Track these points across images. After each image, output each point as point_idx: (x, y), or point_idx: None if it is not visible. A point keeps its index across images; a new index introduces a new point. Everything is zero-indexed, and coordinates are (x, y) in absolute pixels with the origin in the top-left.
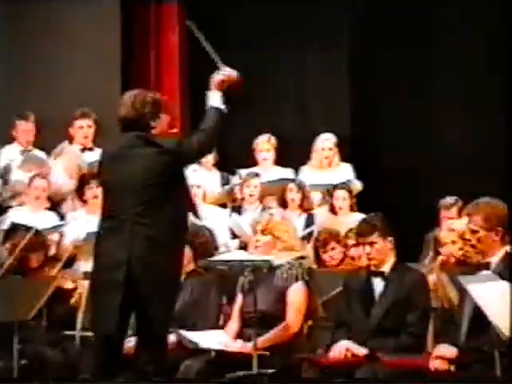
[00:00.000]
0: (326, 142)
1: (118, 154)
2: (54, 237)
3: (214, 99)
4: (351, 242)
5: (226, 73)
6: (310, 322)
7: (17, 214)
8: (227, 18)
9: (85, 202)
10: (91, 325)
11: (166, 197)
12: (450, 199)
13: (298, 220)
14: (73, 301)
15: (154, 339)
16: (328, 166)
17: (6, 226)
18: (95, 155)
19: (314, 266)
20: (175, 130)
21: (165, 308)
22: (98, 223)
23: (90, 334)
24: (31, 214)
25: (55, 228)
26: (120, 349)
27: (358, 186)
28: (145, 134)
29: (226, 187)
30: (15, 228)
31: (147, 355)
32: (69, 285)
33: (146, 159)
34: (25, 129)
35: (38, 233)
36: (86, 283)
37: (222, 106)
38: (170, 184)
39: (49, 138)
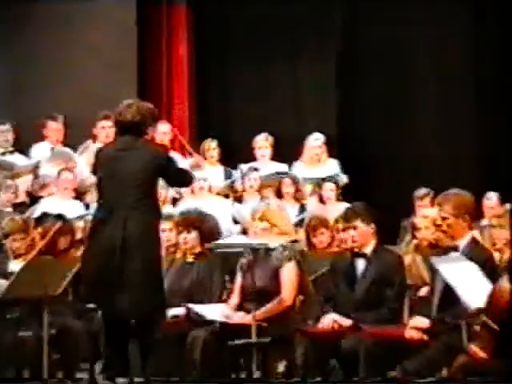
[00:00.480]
0: (315, 141)
1: (115, 154)
2: (80, 223)
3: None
4: (340, 226)
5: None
6: (301, 297)
7: (47, 204)
8: (233, 33)
9: None
10: (85, 295)
11: (150, 192)
12: (423, 190)
13: (291, 209)
14: None
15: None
16: (317, 162)
17: (37, 214)
18: None
19: (305, 249)
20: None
21: (154, 281)
22: (95, 211)
23: None
24: (60, 203)
25: (80, 216)
26: (121, 319)
27: (343, 179)
28: (140, 139)
29: (229, 180)
30: (46, 216)
31: (141, 330)
32: None
33: (140, 160)
34: (55, 128)
35: (65, 220)
36: None
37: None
38: (154, 182)
39: (75, 137)
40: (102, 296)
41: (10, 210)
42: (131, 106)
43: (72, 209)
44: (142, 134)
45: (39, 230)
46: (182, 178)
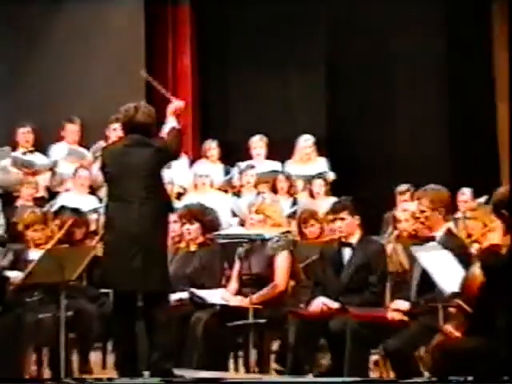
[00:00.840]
0: (306, 141)
1: (122, 151)
2: (94, 216)
3: (172, 122)
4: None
5: (176, 103)
6: (293, 283)
7: (64, 198)
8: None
9: None
10: (105, 282)
11: (158, 184)
12: (404, 186)
13: (284, 203)
14: None
15: (157, 296)
16: (308, 161)
17: (55, 207)
18: None
19: (297, 239)
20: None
21: (163, 268)
22: (105, 204)
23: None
24: (76, 198)
25: (95, 209)
26: (131, 300)
27: (331, 176)
28: (145, 138)
29: (228, 177)
30: (63, 209)
31: (154, 310)
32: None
33: (146, 155)
34: (72, 130)
35: (80, 213)
36: None
37: (178, 126)
38: (160, 174)
39: (90, 138)
40: (117, 277)
41: (30, 204)
42: (144, 110)
43: (87, 203)
44: (149, 134)
45: (57, 222)
46: (175, 155)
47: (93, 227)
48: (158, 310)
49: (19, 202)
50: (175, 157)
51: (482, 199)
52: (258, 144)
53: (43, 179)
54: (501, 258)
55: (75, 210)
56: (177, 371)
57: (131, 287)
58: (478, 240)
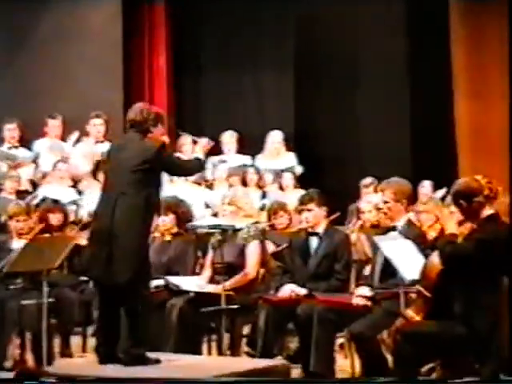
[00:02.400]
0: (275, 137)
1: (119, 146)
2: (73, 207)
3: (199, 154)
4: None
5: (203, 141)
6: (263, 270)
7: (45, 190)
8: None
9: (98, 181)
10: (83, 269)
11: (142, 179)
12: (368, 179)
13: (255, 195)
14: None
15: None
16: (277, 155)
17: (37, 199)
18: (106, 147)
19: (267, 229)
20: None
21: (131, 262)
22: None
23: None
24: (56, 190)
25: (73, 201)
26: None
27: (299, 169)
28: (140, 135)
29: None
30: (44, 200)
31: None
32: (83, 242)
33: (135, 152)
34: (54, 126)
35: (61, 204)
36: None
37: (203, 159)
38: (147, 173)
39: (71, 134)
40: (90, 266)
41: (13, 197)
42: (137, 108)
43: (66, 195)
44: (144, 132)
45: (38, 212)
46: (178, 169)
47: (72, 218)
48: (131, 299)
49: (2, 195)
50: (175, 173)
51: (441, 192)
52: (228, 140)
53: (26, 173)
54: (457, 247)
55: (55, 201)
56: (153, 355)
57: (98, 277)
58: (427, 231)
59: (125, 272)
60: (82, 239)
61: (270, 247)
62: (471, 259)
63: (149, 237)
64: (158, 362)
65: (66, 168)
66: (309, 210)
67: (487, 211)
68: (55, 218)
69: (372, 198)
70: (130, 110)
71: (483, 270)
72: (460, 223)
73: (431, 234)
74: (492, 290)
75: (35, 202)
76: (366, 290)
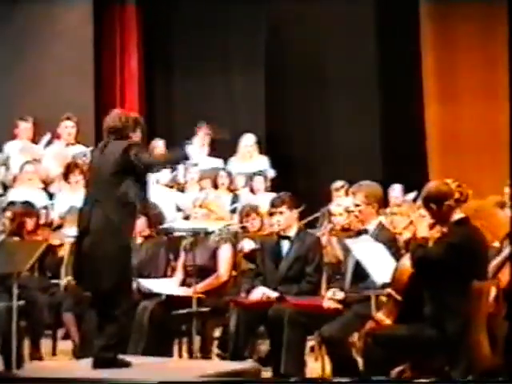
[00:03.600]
0: (248, 139)
1: (97, 154)
2: (43, 211)
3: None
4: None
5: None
6: (234, 273)
7: (15, 193)
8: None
9: (69, 183)
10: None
11: (117, 186)
12: (339, 183)
13: (226, 198)
14: (59, 254)
15: (104, 295)
16: (249, 159)
17: (5, 203)
18: (77, 149)
19: (239, 232)
20: None
21: (112, 264)
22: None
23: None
24: (26, 193)
25: (45, 203)
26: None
27: (271, 173)
28: (116, 139)
29: (173, 174)
30: (13, 203)
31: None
32: (56, 242)
33: (110, 156)
34: (25, 128)
35: (31, 206)
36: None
37: (190, 158)
38: (120, 176)
39: (42, 135)
40: (78, 275)
41: None
42: (114, 115)
43: (36, 198)
44: (123, 138)
45: (8, 214)
46: (146, 162)
47: (43, 220)
48: (109, 306)
49: None
50: (148, 170)
51: (412, 195)
52: (200, 143)
53: None
54: (427, 251)
55: (25, 203)
56: (124, 357)
57: (77, 282)
58: (401, 233)
59: (106, 280)
60: (56, 240)
61: (251, 245)
62: (441, 263)
63: (130, 239)
64: (128, 364)
65: (35, 170)
66: (280, 213)
67: (457, 215)
68: (31, 222)
69: (343, 201)
70: (107, 118)
71: (453, 273)
72: (431, 227)
73: (406, 235)
74: (462, 293)
75: (2, 205)
76: (337, 293)
